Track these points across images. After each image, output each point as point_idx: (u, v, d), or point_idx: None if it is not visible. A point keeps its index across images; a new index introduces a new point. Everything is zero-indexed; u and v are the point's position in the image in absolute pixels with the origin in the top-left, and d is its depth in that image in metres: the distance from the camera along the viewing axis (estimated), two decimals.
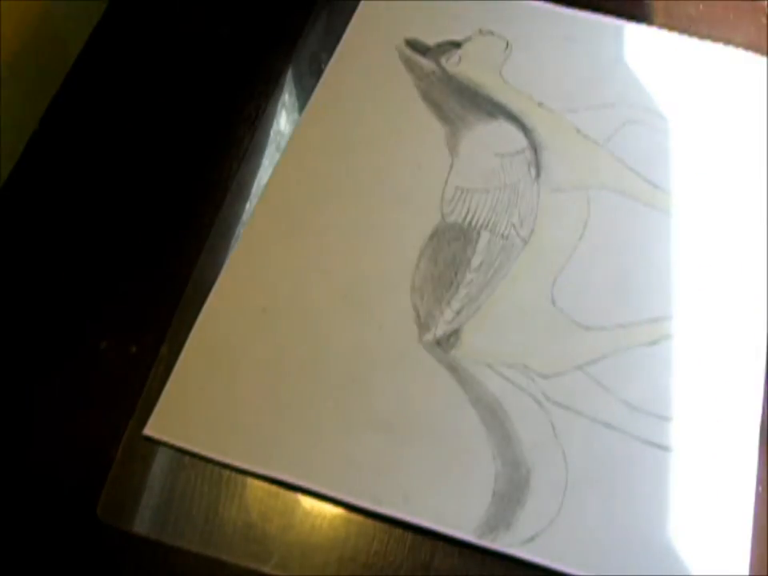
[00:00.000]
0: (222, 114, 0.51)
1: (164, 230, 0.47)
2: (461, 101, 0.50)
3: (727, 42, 0.52)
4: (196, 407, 0.42)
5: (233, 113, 0.51)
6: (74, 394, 0.43)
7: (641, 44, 0.53)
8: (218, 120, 0.51)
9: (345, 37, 0.53)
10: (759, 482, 0.40)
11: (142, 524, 0.40)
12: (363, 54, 0.52)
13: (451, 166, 0.48)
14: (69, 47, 0.53)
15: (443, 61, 0.52)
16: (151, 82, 0.52)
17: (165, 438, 0.41)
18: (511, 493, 0.40)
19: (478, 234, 0.46)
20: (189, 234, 0.47)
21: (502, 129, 0.50)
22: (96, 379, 0.43)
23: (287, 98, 0.52)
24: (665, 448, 0.41)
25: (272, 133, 0.50)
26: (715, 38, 0.52)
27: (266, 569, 0.39)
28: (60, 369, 0.43)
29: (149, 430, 0.41)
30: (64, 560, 0.39)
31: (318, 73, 0.51)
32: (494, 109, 0.50)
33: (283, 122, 0.51)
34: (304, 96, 0.51)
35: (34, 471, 0.41)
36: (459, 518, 0.39)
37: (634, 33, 0.53)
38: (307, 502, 0.40)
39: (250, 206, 0.48)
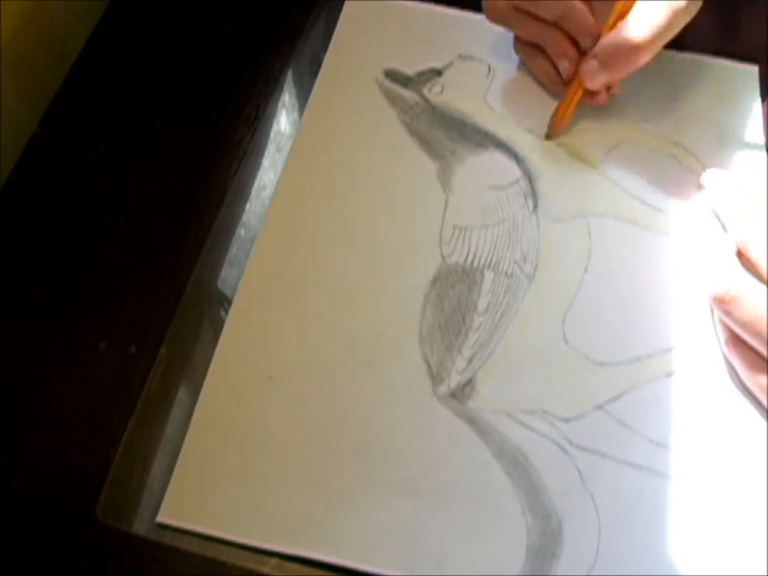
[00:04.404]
0: (222, 114, 0.51)
1: (164, 230, 0.47)
2: (448, 133, 0.49)
3: (719, 52, 0.51)
4: (209, 488, 0.40)
5: (233, 113, 0.51)
6: (74, 394, 0.42)
7: None
8: (218, 120, 0.50)
9: (320, 74, 0.50)
10: None
11: (142, 524, 0.39)
12: (340, 92, 0.50)
13: (446, 204, 0.47)
14: (69, 47, 0.53)
15: (426, 91, 0.50)
16: (151, 82, 0.52)
17: (179, 523, 0.39)
18: (546, 546, 0.39)
19: (482, 274, 0.45)
20: (189, 234, 0.47)
21: (494, 159, 0.48)
22: (96, 379, 0.43)
23: (287, 98, 0.51)
24: (692, 481, 0.40)
25: (272, 133, 0.50)
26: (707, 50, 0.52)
27: (265, 570, 0.38)
28: (59, 369, 0.43)
29: (161, 517, 0.39)
30: (63, 561, 0.39)
31: (317, 73, 0.51)
32: (482, 139, 0.49)
33: (283, 122, 0.50)
34: (304, 96, 0.50)
35: (33, 471, 0.41)
36: None
37: None
38: None
39: (249, 207, 0.47)
